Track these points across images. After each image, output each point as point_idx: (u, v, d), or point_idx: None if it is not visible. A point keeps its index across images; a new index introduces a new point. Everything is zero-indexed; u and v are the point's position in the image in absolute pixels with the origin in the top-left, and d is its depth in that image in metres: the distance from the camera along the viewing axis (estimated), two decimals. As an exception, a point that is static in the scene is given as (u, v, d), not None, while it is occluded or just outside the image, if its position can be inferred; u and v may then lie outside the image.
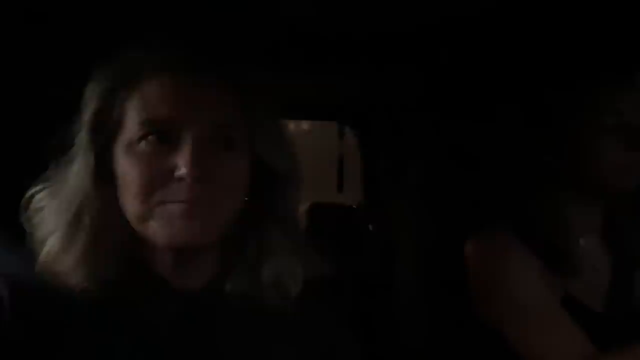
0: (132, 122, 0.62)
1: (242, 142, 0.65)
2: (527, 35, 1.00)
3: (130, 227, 0.63)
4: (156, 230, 0.61)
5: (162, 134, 0.62)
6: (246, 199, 0.67)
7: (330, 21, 0.96)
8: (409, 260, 1.27)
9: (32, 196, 0.65)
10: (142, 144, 0.62)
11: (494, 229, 0.96)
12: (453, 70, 1.21)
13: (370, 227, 1.34)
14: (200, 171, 0.60)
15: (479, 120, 1.22)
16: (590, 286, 0.95)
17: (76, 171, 0.63)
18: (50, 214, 0.63)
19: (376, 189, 1.61)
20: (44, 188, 0.65)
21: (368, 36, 1.01)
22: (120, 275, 0.63)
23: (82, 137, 0.64)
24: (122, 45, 0.64)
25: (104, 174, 0.63)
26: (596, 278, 0.96)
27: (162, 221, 0.61)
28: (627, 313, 0.96)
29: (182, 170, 0.60)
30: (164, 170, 0.61)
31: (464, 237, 1.01)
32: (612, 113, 0.91)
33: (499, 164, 1.07)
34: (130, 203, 0.62)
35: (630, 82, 0.94)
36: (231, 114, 0.64)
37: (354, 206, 1.63)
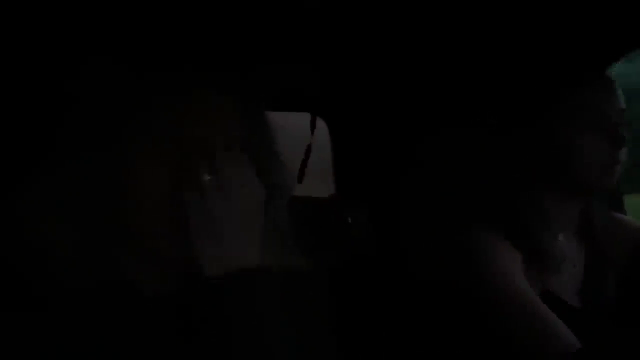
0: (148, 135, 0.61)
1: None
2: (512, 35, 1.02)
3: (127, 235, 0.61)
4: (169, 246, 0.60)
5: (178, 148, 0.61)
6: None
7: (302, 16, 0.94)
8: (388, 253, 1.26)
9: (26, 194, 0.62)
10: (156, 157, 0.60)
11: (479, 225, 0.98)
12: (432, 67, 1.20)
13: (350, 219, 1.33)
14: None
15: (463, 120, 1.22)
16: (566, 281, 0.99)
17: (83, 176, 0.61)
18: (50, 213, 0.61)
19: (349, 182, 1.61)
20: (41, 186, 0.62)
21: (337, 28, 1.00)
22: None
23: (92, 139, 0.62)
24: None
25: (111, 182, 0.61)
26: (572, 273, 1.01)
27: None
28: (601, 308, 1.00)
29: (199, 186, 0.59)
30: (179, 185, 0.60)
31: (445, 233, 1.02)
32: (595, 113, 0.92)
33: (484, 163, 1.08)
34: (141, 215, 0.60)
35: (612, 83, 0.95)
36: (234, 125, 0.64)
37: (327, 198, 1.63)
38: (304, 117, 1.64)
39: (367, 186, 1.49)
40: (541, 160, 0.98)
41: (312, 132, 1.72)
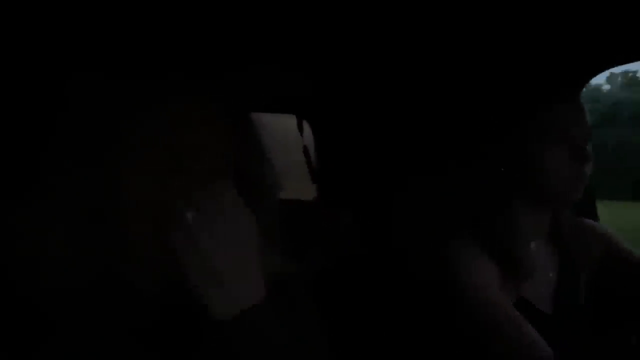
0: (140, 140, 0.60)
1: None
2: (480, 53, 1.04)
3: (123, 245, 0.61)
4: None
5: (174, 157, 0.60)
6: None
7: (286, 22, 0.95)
8: (377, 254, 1.28)
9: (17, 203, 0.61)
10: (147, 162, 0.60)
11: (458, 238, 1.01)
12: (412, 79, 1.23)
13: (335, 222, 1.35)
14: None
15: (437, 132, 1.23)
16: (539, 288, 1.02)
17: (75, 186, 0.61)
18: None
19: (335, 185, 1.61)
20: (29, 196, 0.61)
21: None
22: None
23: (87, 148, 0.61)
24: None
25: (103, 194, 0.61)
26: (545, 280, 1.03)
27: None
28: (573, 313, 1.03)
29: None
30: (175, 195, 0.59)
31: (429, 244, 1.05)
32: (562, 130, 0.97)
33: (458, 177, 1.10)
34: (132, 219, 0.60)
35: (579, 102, 1.00)
36: (224, 129, 0.63)
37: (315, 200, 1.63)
38: (289, 118, 1.65)
39: (355, 190, 1.49)
40: (512, 174, 1.01)
41: (301, 134, 1.73)
